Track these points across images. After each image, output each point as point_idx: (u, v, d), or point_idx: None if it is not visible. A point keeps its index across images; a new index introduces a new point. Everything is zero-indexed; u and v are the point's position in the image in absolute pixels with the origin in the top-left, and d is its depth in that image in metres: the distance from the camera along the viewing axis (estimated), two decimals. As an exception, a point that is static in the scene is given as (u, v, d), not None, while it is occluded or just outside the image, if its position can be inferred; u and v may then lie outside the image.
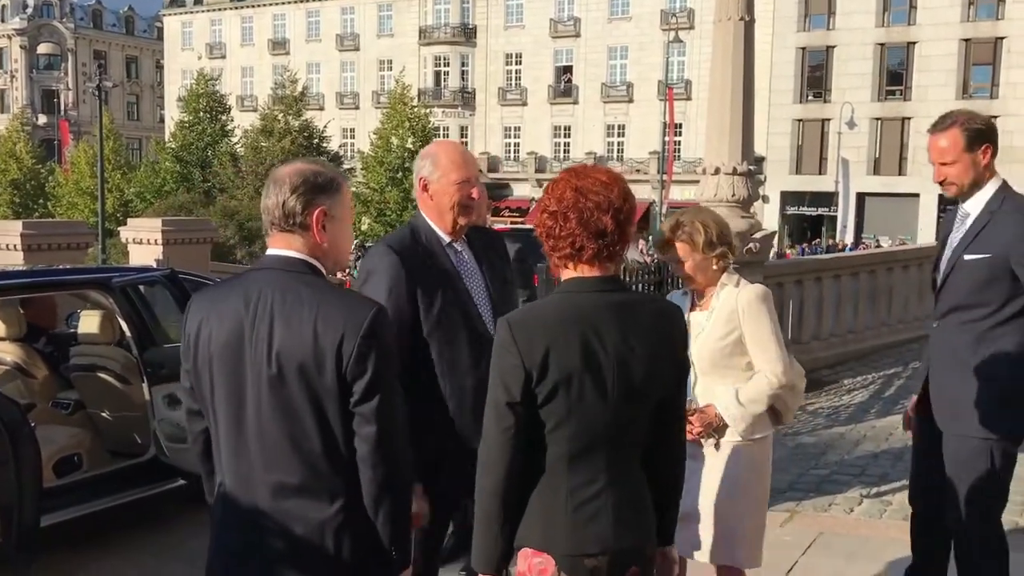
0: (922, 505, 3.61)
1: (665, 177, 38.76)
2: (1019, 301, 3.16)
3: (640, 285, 6.96)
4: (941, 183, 3.30)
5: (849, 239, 38.10)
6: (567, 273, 2.18)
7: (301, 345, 2.11)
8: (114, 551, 4.76)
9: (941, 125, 3.25)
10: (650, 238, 37.40)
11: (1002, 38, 37.20)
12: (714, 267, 3.25)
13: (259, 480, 2.18)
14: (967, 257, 3.21)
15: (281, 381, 2.12)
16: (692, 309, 3.32)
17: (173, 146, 45.26)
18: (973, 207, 3.27)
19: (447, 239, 3.03)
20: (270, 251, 2.25)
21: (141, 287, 5.40)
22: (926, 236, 34.80)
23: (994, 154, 3.23)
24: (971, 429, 3.18)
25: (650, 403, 2.17)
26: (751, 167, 7.99)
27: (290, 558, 2.16)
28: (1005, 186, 3.24)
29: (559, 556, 2.10)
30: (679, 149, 42.76)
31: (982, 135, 3.21)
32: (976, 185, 3.25)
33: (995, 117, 39.57)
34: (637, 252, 21.21)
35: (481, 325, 2.98)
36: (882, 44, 39.54)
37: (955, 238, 3.32)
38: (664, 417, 2.22)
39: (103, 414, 5.36)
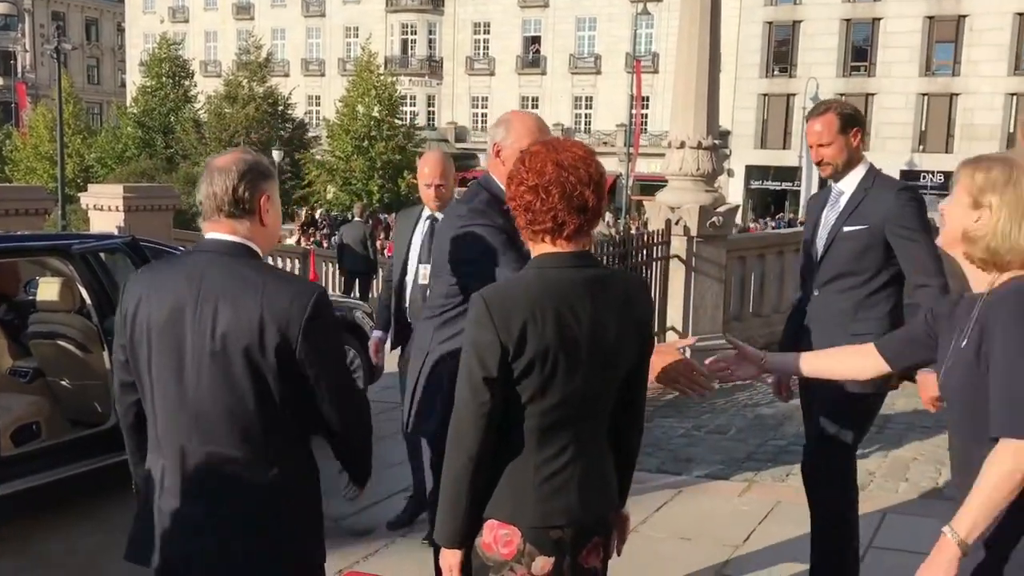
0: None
1: (632, 150, 38.81)
2: (892, 268, 3.52)
3: (605, 257, 7.01)
4: (819, 164, 3.61)
5: (812, 214, 38.45)
6: (541, 247, 2.18)
7: (246, 325, 2.21)
8: (74, 520, 4.74)
9: (817, 111, 3.58)
10: (619, 210, 37.57)
11: (964, 16, 37.57)
12: None
13: (196, 451, 2.28)
14: (846, 229, 3.52)
15: (224, 358, 2.23)
16: None
17: (135, 111, 44.58)
18: (847, 186, 3.59)
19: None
20: (212, 235, 2.34)
21: (102, 254, 5.33)
22: (887, 212, 35.21)
23: (863, 137, 3.60)
24: (847, 384, 3.37)
25: (619, 376, 2.21)
26: (716, 141, 8.03)
27: (225, 525, 2.28)
28: (873, 167, 3.60)
29: (526, 528, 2.12)
30: (646, 122, 42.82)
31: (853, 120, 3.56)
32: (849, 165, 3.57)
33: (956, 94, 40.12)
34: (604, 224, 21.28)
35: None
36: (848, 20, 39.75)
37: (830, 214, 3.62)
38: (629, 386, 2.27)
39: (63, 382, 5.31)
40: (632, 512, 2.46)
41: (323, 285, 15.68)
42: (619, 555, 2.38)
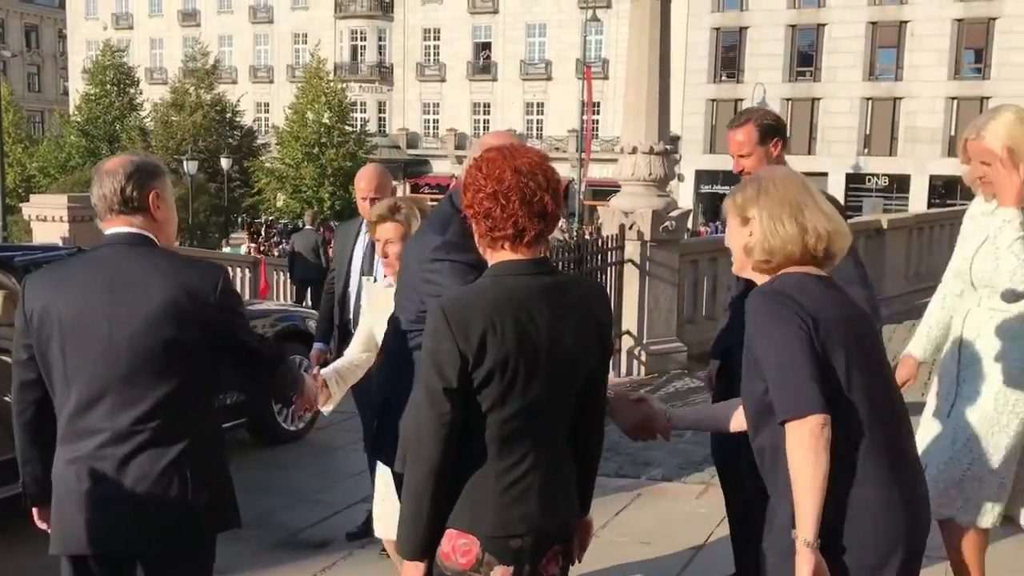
0: (720, 460, 3.83)
1: (584, 155, 39.01)
2: None
3: (561, 263, 7.02)
4: (740, 173, 3.55)
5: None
6: (500, 255, 2.16)
7: (164, 305, 2.40)
8: (22, 539, 4.61)
9: (738, 121, 3.60)
10: (572, 216, 37.70)
11: (906, 22, 38.40)
12: None
13: (118, 433, 2.43)
14: None
15: (145, 339, 2.40)
16: None
17: (78, 120, 43.72)
18: None
19: None
20: (112, 230, 2.53)
21: (45, 266, 5.21)
22: (834, 214, 35.79)
23: (784, 147, 3.58)
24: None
25: (579, 383, 2.21)
26: (668, 146, 8.10)
27: (140, 499, 2.43)
28: None
29: (484, 537, 2.11)
30: (597, 128, 43.08)
31: (773, 130, 3.55)
32: None
33: (900, 98, 40.91)
34: (558, 230, 21.33)
35: None
36: (793, 26, 40.40)
37: None
38: (589, 392, 2.26)
39: (6, 398, 5.16)
40: (592, 517, 2.46)
41: (274, 294, 15.59)
42: (580, 562, 2.37)
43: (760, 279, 2.27)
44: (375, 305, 3.56)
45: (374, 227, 3.48)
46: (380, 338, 3.24)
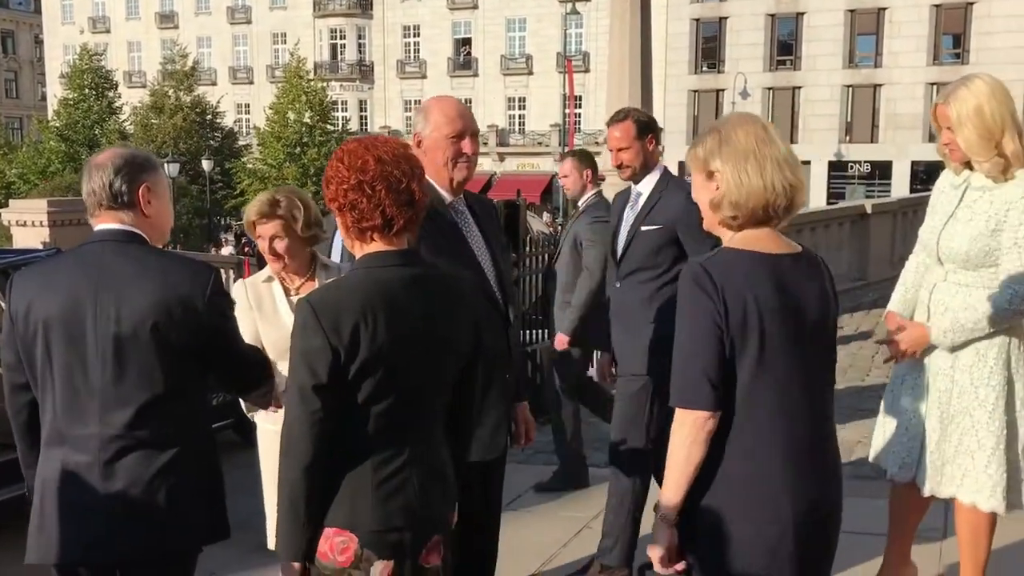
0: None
1: (567, 149, 38.96)
2: (682, 264, 3.67)
3: (547, 256, 6.98)
4: (618, 167, 3.83)
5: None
6: (370, 247, 2.13)
7: (152, 306, 2.32)
8: (9, 548, 4.55)
9: (616, 118, 3.85)
10: (556, 210, 37.68)
11: (884, 9, 38.52)
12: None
13: (98, 437, 2.35)
14: (644, 228, 3.76)
15: (131, 341, 2.33)
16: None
17: (57, 125, 43.38)
18: (645, 188, 3.83)
19: (448, 197, 2.98)
20: (101, 227, 2.44)
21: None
22: (817, 201, 35.96)
23: (658, 143, 3.88)
24: (634, 368, 3.79)
25: (453, 374, 2.21)
26: (651, 136, 8.08)
27: (129, 505, 2.35)
28: (667, 171, 3.88)
29: (363, 533, 2.08)
30: (579, 121, 43.03)
31: (648, 127, 3.81)
32: (646, 168, 3.82)
33: (880, 85, 40.99)
34: (542, 223, 21.36)
35: (489, 286, 2.98)
36: (772, 15, 40.46)
37: (630, 214, 3.87)
38: (463, 386, 2.26)
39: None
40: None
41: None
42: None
43: (726, 235, 2.18)
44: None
45: (253, 226, 3.29)
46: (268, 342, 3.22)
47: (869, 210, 11.39)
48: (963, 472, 3.15)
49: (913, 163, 38.51)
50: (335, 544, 2.08)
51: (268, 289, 3.27)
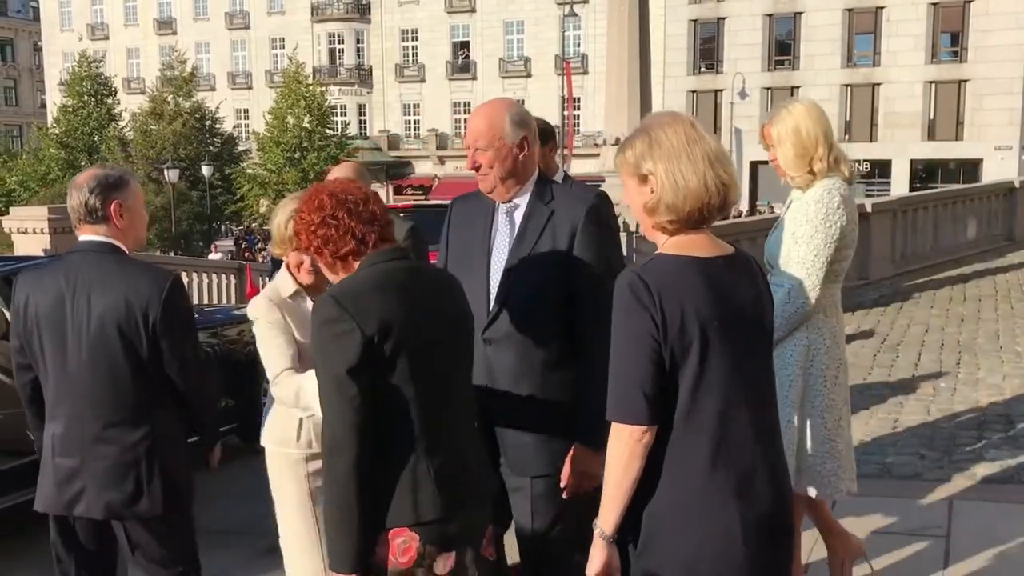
0: None
1: (566, 151, 38.99)
2: None
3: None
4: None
5: (744, 206, 39.09)
6: (351, 266, 2.23)
7: (116, 309, 2.77)
8: (11, 554, 4.55)
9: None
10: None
11: (882, 7, 38.54)
12: None
13: (83, 416, 2.84)
14: None
15: (100, 336, 2.79)
16: None
17: (57, 132, 43.41)
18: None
19: (498, 201, 2.86)
20: (83, 237, 2.90)
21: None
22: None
23: (554, 149, 3.97)
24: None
25: (471, 356, 2.33)
26: (650, 137, 8.10)
27: (110, 474, 2.85)
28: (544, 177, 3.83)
29: (422, 529, 2.06)
30: (578, 123, 43.07)
31: (548, 133, 3.87)
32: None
33: (878, 84, 40.98)
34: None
35: (481, 280, 2.77)
36: (770, 15, 40.50)
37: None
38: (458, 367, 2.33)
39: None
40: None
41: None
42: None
43: (660, 240, 2.10)
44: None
45: (290, 240, 2.87)
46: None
47: (869, 209, 11.37)
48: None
49: (912, 161, 38.53)
50: (396, 546, 2.06)
51: (300, 306, 2.96)
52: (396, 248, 2.26)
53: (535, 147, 2.90)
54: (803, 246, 3.21)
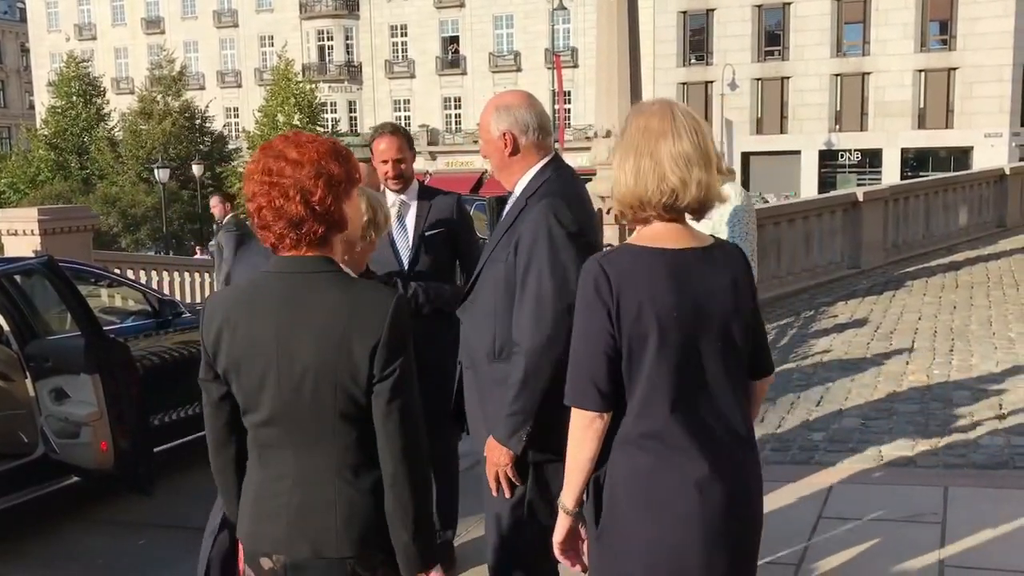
0: None
1: (557, 145, 38.94)
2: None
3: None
4: (396, 177, 3.88)
5: (737, 198, 39.10)
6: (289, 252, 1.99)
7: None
8: (11, 554, 4.54)
9: (384, 130, 3.94)
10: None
11: (871, -3, 38.58)
12: None
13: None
14: (427, 234, 3.89)
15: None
16: None
17: (46, 133, 43.23)
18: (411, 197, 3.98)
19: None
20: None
21: (17, 278, 5.11)
22: (809, 190, 36.03)
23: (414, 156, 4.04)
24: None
25: (333, 399, 1.91)
26: (641, 128, 8.09)
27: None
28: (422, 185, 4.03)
29: (245, 550, 2.06)
30: (569, 116, 43.05)
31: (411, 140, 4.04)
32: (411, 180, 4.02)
33: (868, 73, 40.93)
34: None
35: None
36: (759, 6, 40.49)
37: (408, 221, 4.02)
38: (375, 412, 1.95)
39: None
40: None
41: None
42: None
43: (638, 229, 2.12)
44: None
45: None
46: None
47: (860, 198, 11.39)
48: None
49: (903, 150, 38.60)
50: (241, 550, 2.13)
51: None
52: (318, 258, 1.97)
53: (521, 141, 2.82)
54: None
